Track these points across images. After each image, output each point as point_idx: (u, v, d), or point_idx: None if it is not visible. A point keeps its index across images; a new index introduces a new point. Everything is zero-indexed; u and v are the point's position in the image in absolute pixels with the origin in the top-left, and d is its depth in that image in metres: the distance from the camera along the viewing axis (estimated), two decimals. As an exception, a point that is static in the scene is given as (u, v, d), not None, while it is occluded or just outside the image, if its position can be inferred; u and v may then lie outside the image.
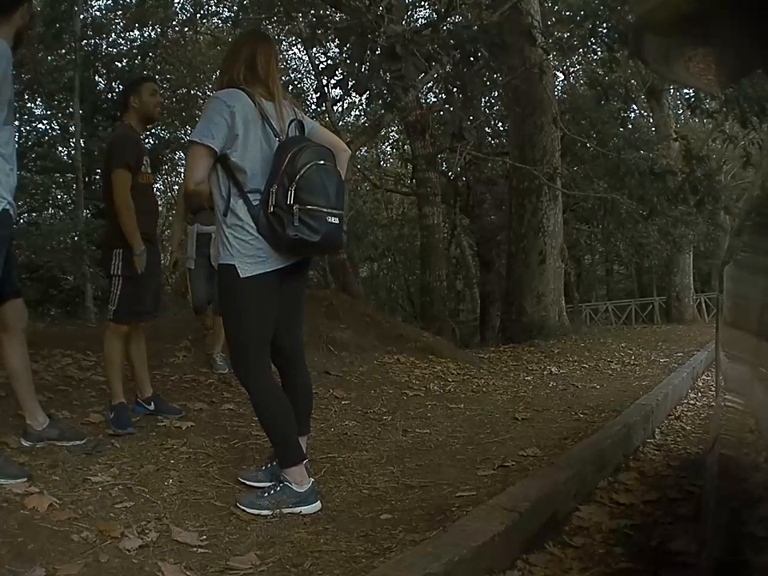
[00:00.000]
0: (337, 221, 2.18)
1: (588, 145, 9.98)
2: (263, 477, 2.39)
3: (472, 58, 4.77)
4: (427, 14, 11.89)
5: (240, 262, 2.17)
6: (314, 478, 2.50)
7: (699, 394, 4.71)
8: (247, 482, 2.38)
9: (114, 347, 3.04)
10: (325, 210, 2.14)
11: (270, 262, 2.19)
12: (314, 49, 12.52)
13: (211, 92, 11.75)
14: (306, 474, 2.26)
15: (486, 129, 11.88)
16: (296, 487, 2.20)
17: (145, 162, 3.09)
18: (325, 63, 11.04)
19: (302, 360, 2.47)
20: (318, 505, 2.23)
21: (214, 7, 13.06)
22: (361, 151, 14.59)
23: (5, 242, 2.24)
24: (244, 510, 2.15)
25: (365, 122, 13.96)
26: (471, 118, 5.94)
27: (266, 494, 2.20)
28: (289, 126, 2.26)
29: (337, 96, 9.76)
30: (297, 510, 2.18)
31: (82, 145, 11.29)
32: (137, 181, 3.04)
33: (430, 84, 8.17)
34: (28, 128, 13.38)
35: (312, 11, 10.21)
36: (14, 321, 2.43)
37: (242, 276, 2.17)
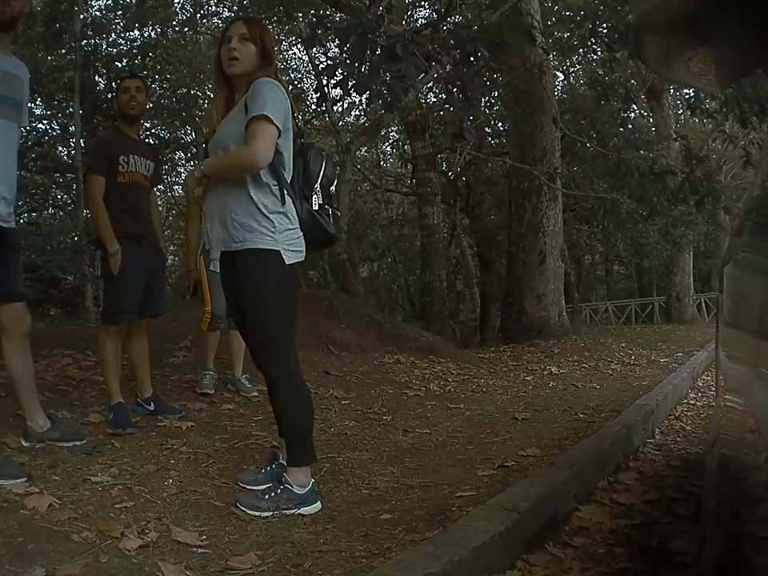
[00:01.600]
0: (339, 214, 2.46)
1: (588, 145, 9.98)
2: (263, 479, 2.37)
3: (472, 58, 4.76)
4: (427, 14, 11.91)
5: (284, 249, 2.18)
6: (314, 478, 2.50)
7: (699, 394, 4.71)
8: (247, 486, 2.37)
9: (106, 348, 3.05)
10: (335, 206, 2.38)
11: (302, 253, 2.26)
12: (314, 49, 12.54)
13: (211, 92, 11.75)
14: (310, 476, 2.26)
15: (486, 129, 11.89)
16: (297, 489, 2.19)
17: (124, 162, 3.11)
18: (325, 63, 11.04)
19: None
20: (318, 505, 2.23)
21: (213, 7, 13.09)
22: (361, 151, 14.60)
23: None
24: (244, 512, 2.15)
25: (365, 122, 13.96)
26: (471, 117, 5.93)
27: (266, 496, 2.19)
28: (300, 127, 2.42)
29: (337, 96, 9.76)
30: (297, 510, 2.18)
31: (82, 145, 11.29)
32: (115, 181, 3.08)
33: (430, 84, 8.18)
34: (28, 128, 13.37)
35: (312, 11, 10.21)
36: (11, 325, 2.41)
37: (287, 262, 2.18)
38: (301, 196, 2.25)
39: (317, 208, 2.27)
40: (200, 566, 1.77)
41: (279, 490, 2.19)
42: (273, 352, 2.23)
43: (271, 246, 2.16)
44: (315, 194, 2.27)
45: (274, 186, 2.18)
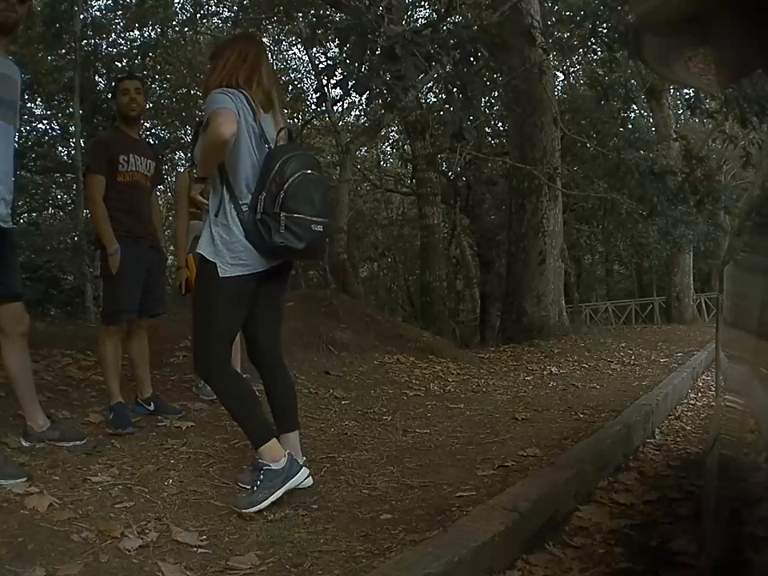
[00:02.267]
0: (321, 228, 2.25)
1: (588, 145, 9.98)
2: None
3: (472, 58, 4.76)
4: (427, 14, 11.90)
5: (221, 262, 2.22)
6: (314, 477, 2.51)
7: (699, 394, 4.71)
8: (246, 486, 2.36)
9: (106, 348, 3.06)
10: (309, 219, 2.21)
11: (249, 266, 2.24)
12: (314, 49, 12.55)
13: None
14: (281, 448, 2.28)
15: (486, 129, 11.89)
16: (274, 465, 2.21)
17: (124, 161, 3.11)
18: (325, 63, 11.04)
19: (282, 360, 2.51)
20: (305, 471, 2.29)
21: (213, 7, 13.07)
22: (361, 151, 14.60)
23: None
24: (244, 512, 2.14)
25: (365, 122, 13.95)
26: (471, 117, 5.93)
27: (255, 488, 2.20)
28: (278, 134, 2.32)
29: (337, 96, 9.77)
30: (290, 485, 2.21)
31: (82, 145, 11.27)
32: (115, 180, 3.08)
33: (430, 84, 8.17)
34: (28, 128, 13.38)
35: (312, 11, 10.21)
36: (9, 325, 2.41)
37: (220, 275, 2.21)
38: (253, 204, 2.22)
39: (259, 217, 2.18)
40: (200, 566, 1.77)
41: (262, 476, 2.20)
42: (199, 355, 2.33)
43: (209, 257, 2.23)
44: (260, 201, 2.18)
45: (216, 197, 2.26)
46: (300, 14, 10.95)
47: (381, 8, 4.45)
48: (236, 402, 2.31)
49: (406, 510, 2.22)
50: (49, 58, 13.13)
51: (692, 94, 8.49)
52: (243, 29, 13.47)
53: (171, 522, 2.02)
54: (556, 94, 10.86)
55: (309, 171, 2.24)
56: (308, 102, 15.15)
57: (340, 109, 15.18)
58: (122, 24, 13.49)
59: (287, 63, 16.58)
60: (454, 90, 5.29)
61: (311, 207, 2.21)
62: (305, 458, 2.41)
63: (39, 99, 13.38)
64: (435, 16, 7.48)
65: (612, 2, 6.87)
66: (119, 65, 13.22)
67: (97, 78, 13.38)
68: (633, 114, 13.74)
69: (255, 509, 2.14)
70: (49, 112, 14.11)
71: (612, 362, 6.18)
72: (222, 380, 2.30)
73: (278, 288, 2.46)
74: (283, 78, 15.65)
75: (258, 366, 2.49)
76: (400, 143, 15.84)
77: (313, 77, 15.42)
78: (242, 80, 2.27)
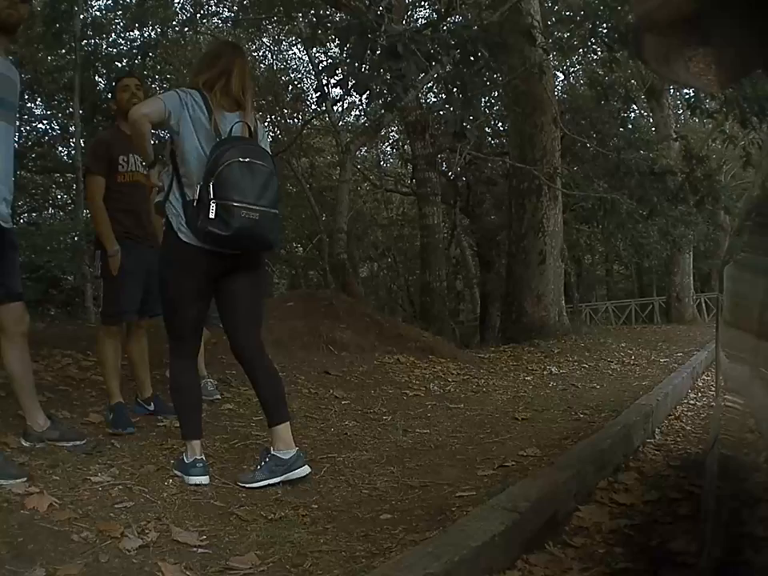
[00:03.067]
0: (256, 216, 2.27)
1: (588, 145, 9.97)
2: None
3: (472, 58, 4.76)
4: (427, 14, 11.92)
5: (177, 229, 2.35)
6: (315, 477, 2.51)
7: (699, 394, 4.71)
8: (245, 485, 2.40)
9: (105, 348, 3.06)
10: (239, 206, 2.24)
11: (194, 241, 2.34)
12: (314, 49, 12.55)
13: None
14: (291, 441, 2.46)
15: (486, 129, 11.88)
16: (282, 455, 2.42)
17: (124, 162, 3.11)
18: (325, 63, 11.03)
19: (260, 356, 2.54)
20: (306, 468, 2.45)
21: (213, 7, 13.07)
22: (361, 151, 14.60)
23: None
24: (241, 485, 2.38)
25: (365, 122, 13.95)
26: (471, 117, 5.93)
27: (259, 468, 2.43)
28: (231, 128, 2.35)
29: (337, 96, 9.76)
30: (289, 476, 2.41)
31: (82, 145, 11.27)
32: (114, 181, 3.08)
33: (430, 84, 8.18)
34: (28, 128, 13.39)
35: (312, 11, 10.21)
36: (10, 325, 2.41)
37: (176, 239, 2.35)
38: (193, 192, 2.31)
39: (195, 204, 2.27)
40: (200, 566, 1.77)
41: (267, 459, 2.43)
42: (164, 319, 2.53)
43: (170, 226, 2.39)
44: (198, 189, 2.26)
45: (174, 182, 2.38)
46: (300, 14, 10.95)
47: (381, 8, 4.45)
48: (173, 391, 2.52)
49: (406, 510, 2.22)
50: (49, 58, 13.12)
51: (692, 94, 8.50)
52: (243, 29, 13.51)
53: (171, 522, 2.02)
54: (556, 93, 10.85)
55: (245, 159, 2.27)
56: (308, 102, 15.16)
57: (340, 109, 15.20)
58: (121, 24, 13.48)
59: (287, 63, 16.60)
60: (454, 89, 5.29)
61: (241, 194, 2.24)
62: (297, 449, 2.47)
63: (39, 99, 13.38)
64: (435, 16, 7.48)
65: (612, 2, 6.87)
66: (119, 65, 13.20)
67: (97, 78, 13.37)
68: (633, 114, 13.74)
69: (251, 485, 2.36)
70: (49, 112, 14.12)
71: (612, 362, 6.17)
72: (175, 362, 2.49)
73: (246, 284, 2.48)
74: (283, 78, 15.67)
75: (237, 359, 2.56)
76: (400, 143, 15.86)
77: (313, 77, 15.43)
78: (202, 81, 2.39)
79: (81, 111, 11.47)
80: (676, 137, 11.10)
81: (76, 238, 11.21)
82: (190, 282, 2.40)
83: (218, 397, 3.76)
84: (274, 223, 2.36)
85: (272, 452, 2.43)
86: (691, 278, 14.43)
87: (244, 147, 2.32)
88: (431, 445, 3.16)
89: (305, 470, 2.45)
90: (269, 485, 2.38)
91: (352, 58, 4.24)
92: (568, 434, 3.23)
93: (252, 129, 2.43)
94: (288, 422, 2.50)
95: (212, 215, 2.22)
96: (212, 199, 2.22)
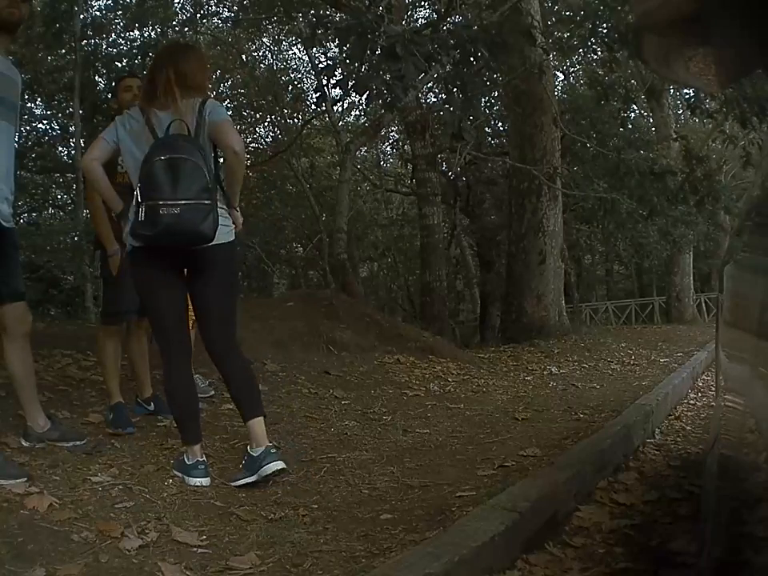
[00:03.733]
0: (176, 211, 2.25)
1: (588, 145, 9.97)
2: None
3: (472, 58, 4.76)
4: (427, 14, 11.91)
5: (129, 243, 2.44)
6: (315, 477, 2.52)
7: (699, 394, 4.71)
8: (239, 484, 2.43)
9: (106, 348, 3.06)
10: (159, 203, 2.25)
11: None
12: (314, 49, 12.54)
13: (211, 92, 11.75)
14: (263, 437, 2.48)
15: (486, 129, 11.89)
16: (253, 453, 2.43)
17: (123, 163, 3.11)
18: (325, 63, 11.03)
19: (233, 353, 2.56)
20: (279, 463, 2.43)
21: (213, 7, 13.09)
22: (361, 151, 14.60)
23: None
24: (230, 484, 2.41)
25: (365, 122, 13.95)
26: (471, 117, 5.93)
27: (241, 467, 2.49)
28: (168, 128, 2.35)
29: (337, 96, 9.77)
30: (262, 472, 2.41)
31: (82, 145, 11.26)
32: (114, 182, 3.07)
33: (430, 84, 8.17)
34: (28, 128, 13.38)
35: (312, 11, 10.20)
36: (13, 324, 2.41)
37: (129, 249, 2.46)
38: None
39: (135, 209, 2.30)
40: (200, 566, 1.77)
41: (245, 460, 2.48)
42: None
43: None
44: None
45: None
46: (300, 14, 10.95)
47: (381, 8, 4.45)
48: (167, 395, 2.59)
49: (406, 510, 2.22)
50: (49, 58, 13.12)
51: (692, 94, 8.50)
52: (243, 29, 13.51)
53: (171, 522, 2.02)
54: (556, 93, 10.86)
55: (164, 156, 2.27)
56: (308, 102, 15.15)
57: (340, 109, 15.21)
58: (122, 24, 13.49)
59: (287, 63, 16.60)
60: (454, 90, 5.29)
61: (160, 191, 2.26)
62: (268, 444, 2.46)
63: (39, 99, 13.37)
64: (435, 16, 7.48)
65: (612, 2, 6.87)
66: (119, 65, 13.20)
67: (97, 78, 13.37)
68: (633, 114, 13.72)
69: (233, 484, 2.43)
70: (49, 112, 14.12)
71: (612, 362, 6.17)
72: (165, 360, 2.54)
73: (205, 284, 2.48)
74: (283, 78, 15.66)
75: (210, 355, 2.59)
76: (400, 143, 15.84)
77: (313, 77, 15.43)
78: (141, 97, 2.52)
79: (81, 111, 11.47)
80: (676, 137, 11.09)
81: (76, 238, 11.22)
82: (149, 282, 2.47)
83: (213, 392, 3.77)
84: (206, 214, 2.27)
85: (248, 450, 2.47)
86: (691, 277, 14.42)
87: (164, 143, 2.32)
88: (431, 445, 3.16)
89: (277, 464, 2.41)
90: (246, 483, 2.40)
91: (351, 59, 4.24)
92: (568, 434, 3.23)
93: (188, 124, 2.37)
94: (260, 418, 2.50)
95: (141, 218, 2.26)
96: (141, 202, 2.28)
